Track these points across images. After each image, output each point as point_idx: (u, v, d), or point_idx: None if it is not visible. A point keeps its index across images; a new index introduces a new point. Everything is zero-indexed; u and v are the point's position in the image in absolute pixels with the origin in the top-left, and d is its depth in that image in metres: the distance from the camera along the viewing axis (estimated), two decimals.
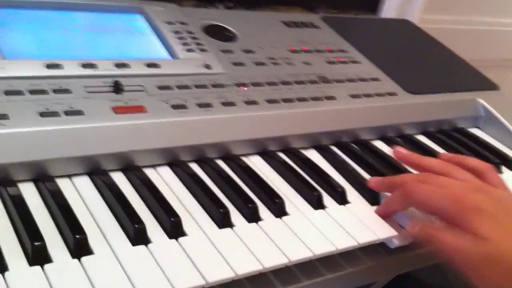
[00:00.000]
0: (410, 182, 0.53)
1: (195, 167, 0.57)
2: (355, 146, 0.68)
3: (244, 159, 0.61)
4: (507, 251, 0.45)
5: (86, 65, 0.58)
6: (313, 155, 0.65)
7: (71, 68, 0.58)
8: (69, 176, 0.51)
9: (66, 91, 0.55)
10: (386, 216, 0.54)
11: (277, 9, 1.16)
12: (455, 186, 0.51)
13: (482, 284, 0.46)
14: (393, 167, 0.65)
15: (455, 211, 0.48)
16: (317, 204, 0.55)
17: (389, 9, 1.35)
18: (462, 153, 0.72)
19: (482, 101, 0.81)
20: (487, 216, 0.47)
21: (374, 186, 0.58)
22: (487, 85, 0.87)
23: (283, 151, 0.64)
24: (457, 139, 0.76)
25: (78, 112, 0.53)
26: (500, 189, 0.53)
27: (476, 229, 0.47)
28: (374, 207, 0.56)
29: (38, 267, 0.40)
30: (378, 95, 0.74)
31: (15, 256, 0.41)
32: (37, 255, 0.41)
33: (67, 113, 0.52)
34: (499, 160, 0.71)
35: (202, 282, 0.42)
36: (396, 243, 0.53)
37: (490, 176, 0.55)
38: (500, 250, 0.46)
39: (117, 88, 0.57)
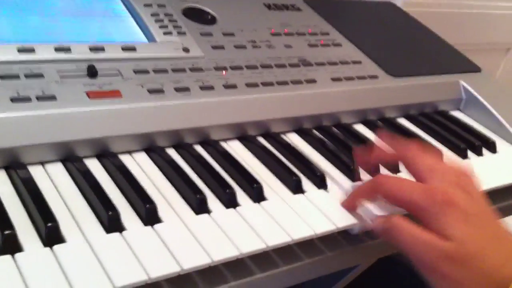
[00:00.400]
0: (382, 176, 0.52)
1: (172, 152, 0.57)
2: (336, 130, 0.68)
3: (223, 144, 0.60)
4: (472, 252, 0.44)
5: (59, 49, 0.57)
6: (295, 139, 0.64)
7: (44, 52, 0.56)
8: (42, 163, 0.50)
9: (38, 75, 0.54)
10: (353, 206, 0.52)
11: None
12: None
13: (441, 282, 0.45)
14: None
15: (424, 203, 0.46)
16: (296, 188, 0.55)
17: None
18: (443, 136, 0.72)
19: (464, 83, 0.81)
20: (458, 213, 0.45)
21: (349, 203, 0.54)
22: (469, 68, 0.86)
23: (263, 135, 0.63)
24: (438, 122, 0.76)
25: (51, 97, 0.52)
26: (477, 192, 0.50)
27: (443, 224, 0.45)
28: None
29: (8, 256, 0.39)
30: (360, 78, 0.74)
31: None
32: (7, 244, 0.40)
33: (39, 98, 0.51)
34: (479, 142, 0.71)
35: (178, 269, 0.42)
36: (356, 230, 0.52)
37: (472, 179, 0.51)
38: (465, 250, 0.44)
39: (91, 72, 0.56)
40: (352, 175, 0.58)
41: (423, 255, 0.45)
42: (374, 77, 0.75)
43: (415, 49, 0.90)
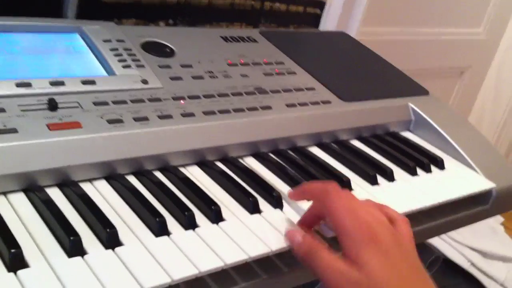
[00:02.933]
0: (333, 190, 0.52)
1: (132, 179, 0.59)
2: (292, 153, 0.71)
3: (183, 169, 0.62)
4: (377, 284, 0.46)
5: (20, 84, 0.59)
6: (252, 163, 0.67)
7: (6, 88, 0.58)
8: (4, 193, 0.51)
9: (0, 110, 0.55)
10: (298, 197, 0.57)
11: (219, 26, 1.19)
12: (371, 214, 0.50)
13: None
14: (328, 171, 0.68)
15: (356, 233, 0.48)
16: (253, 209, 0.57)
17: (329, 23, 1.40)
18: (394, 156, 0.76)
19: (412, 105, 0.85)
20: (380, 250, 0.47)
21: (291, 196, 0.59)
22: (417, 91, 0.91)
23: (221, 160, 0.66)
24: (389, 143, 0.79)
25: (12, 130, 0.53)
26: (407, 239, 0.52)
27: (362, 256, 0.47)
28: None
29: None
30: (313, 103, 0.77)
31: None
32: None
33: (0, 131, 0.53)
34: (428, 160, 0.75)
35: None
36: None
37: (401, 226, 0.53)
38: (374, 283, 0.46)
39: (52, 105, 0.58)
40: None
41: (335, 282, 0.47)
42: (327, 102, 0.79)
43: (366, 75, 0.95)
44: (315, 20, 1.39)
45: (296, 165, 0.68)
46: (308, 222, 0.56)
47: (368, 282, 0.46)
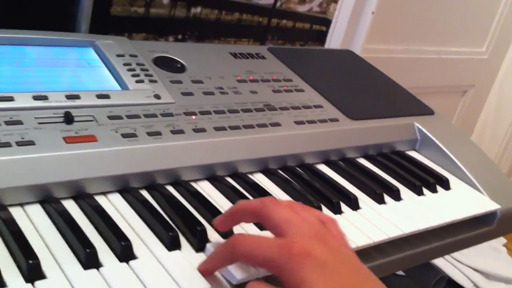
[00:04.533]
0: (238, 237, 0.47)
1: (145, 193, 0.60)
2: (300, 170, 0.72)
3: (194, 184, 0.63)
4: None
5: (37, 97, 0.60)
6: (261, 179, 0.68)
7: (23, 101, 0.59)
8: (21, 204, 0.52)
9: (17, 122, 0.57)
10: (210, 273, 0.49)
11: (227, 41, 1.21)
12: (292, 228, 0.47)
13: None
14: (336, 189, 0.69)
15: (281, 259, 0.43)
16: None
17: (335, 40, 1.41)
18: (400, 175, 0.77)
19: (418, 125, 0.86)
20: (313, 264, 0.43)
21: (219, 226, 0.53)
22: (423, 110, 0.92)
23: (231, 176, 0.67)
24: (395, 161, 0.81)
25: (30, 142, 0.55)
26: (339, 242, 0.48)
27: (298, 277, 0.42)
28: None
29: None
30: (321, 121, 0.79)
31: None
32: None
33: (18, 143, 0.54)
34: (434, 180, 0.76)
35: None
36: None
37: (331, 228, 0.50)
38: None
39: (68, 118, 0.59)
40: None
41: None
42: (334, 120, 0.80)
43: (373, 93, 0.96)
44: (321, 37, 1.41)
45: (304, 181, 0.69)
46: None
47: None
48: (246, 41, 1.25)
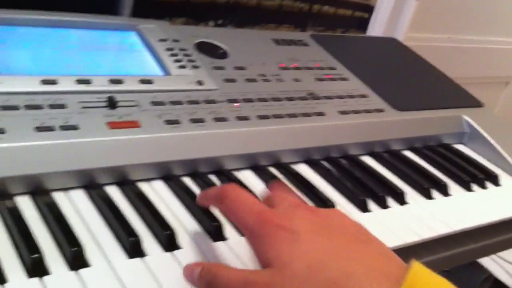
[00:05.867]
0: (231, 191, 0.45)
1: (188, 181, 0.58)
2: (344, 161, 0.70)
3: (236, 173, 0.62)
4: (293, 274, 0.37)
5: (81, 81, 0.59)
6: (304, 169, 0.67)
7: (66, 84, 0.59)
8: (65, 189, 0.52)
9: (61, 106, 0.56)
10: (202, 204, 0.50)
11: (266, 27, 1.19)
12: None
13: None
14: (382, 182, 0.67)
15: (255, 225, 0.41)
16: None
17: (377, 28, 1.38)
18: (448, 169, 0.74)
19: (466, 117, 0.83)
20: (285, 235, 0.40)
21: (200, 202, 0.50)
22: (471, 102, 0.89)
23: (274, 165, 0.65)
24: (442, 155, 0.78)
25: (73, 127, 0.54)
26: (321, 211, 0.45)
27: (266, 250, 0.40)
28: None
29: (36, 279, 0.41)
30: (366, 111, 0.76)
31: (13, 269, 0.41)
32: (35, 267, 0.42)
33: (62, 127, 0.53)
34: (483, 175, 0.73)
35: None
36: None
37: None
38: (284, 273, 0.38)
39: (111, 103, 0.59)
40: (363, 206, 0.60)
41: None
42: (380, 110, 0.78)
43: (418, 83, 0.93)
44: (363, 24, 1.38)
45: (348, 173, 0.67)
46: None
47: (281, 275, 0.38)
48: (286, 27, 1.23)
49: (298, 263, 0.38)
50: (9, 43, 0.63)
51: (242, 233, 0.45)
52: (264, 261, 0.40)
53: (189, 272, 0.43)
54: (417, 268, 0.37)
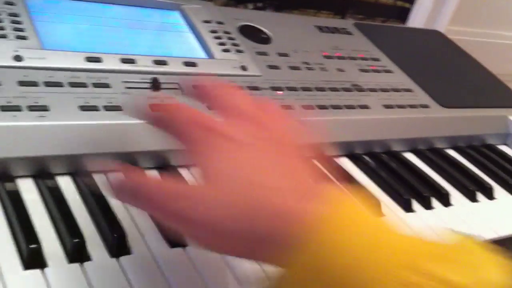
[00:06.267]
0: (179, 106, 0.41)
1: None
2: (387, 157, 0.68)
3: None
4: (221, 190, 0.35)
5: (125, 60, 0.58)
6: (346, 164, 0.65)
7: (111, 63, 0.57)
8: (106, 172, 0.51)
9: (105, 85, 0.54)
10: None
11: (306, 12, 1.16)
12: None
13: (190, 231, 0.36)
14: (426, 182, 0.64)
15: (197, 135, 0.38)
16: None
17: (418, 19, 1.34)
18: (493, 171, 0.71)
19: None
20: (221, 141, 0.37)
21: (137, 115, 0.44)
22: None
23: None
24: (486, 155, 0.75)
25: (117, 108, 0.52)
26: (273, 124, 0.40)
27: (200, 149, 0.37)
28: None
29: (76, 264, 0.40)
30: (411, 106, 0.74)
31: (56, 255, 0.41)
32: (75, 253, 0.41)
33: (106, 108, 0.52)
34: None
35: None
36: None
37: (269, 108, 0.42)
38: (218, 191, 0.35)
39: (155, 85, 0.57)
40: (408, 206, 0.58)
41: (165, 206, 0.36)
42: (425, 106, 0.75)
43: (463, 79, 0.90)
44: (403, 14, 1.34)
45: (392, 170, 0.65)
46: None
47: (215, 191, 0.35)
48: (325, 13, 1.20)
49: (234, 177, 0.35)
50: (52, 17, 0.61)
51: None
52: (203, 174, 0.36)
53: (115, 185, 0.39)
54: (346, 200, 0.34)
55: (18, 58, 0.53)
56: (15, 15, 0.58)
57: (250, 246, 0.34)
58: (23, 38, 0.56)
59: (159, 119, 0.42)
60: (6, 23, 0.57)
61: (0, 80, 0.50)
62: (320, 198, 0.34)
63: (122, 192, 0.38)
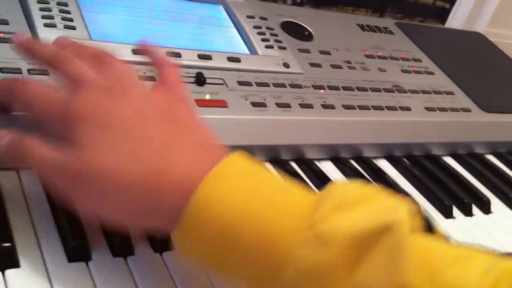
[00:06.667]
0: (24, 82, 0.41)
1: (269, 167, 0.57)
2: (427, 161, 0.67)
3: (317, 163, 0.60)
4: (101, 165, 0.35)
5: (171, 54, 0.58)
6: (385, 165, 0.64)
7: None
8: None
9: (151, 78, 0.55)
10: None
11: (345, 9, 1.15)
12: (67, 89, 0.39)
13: (77, 206, 0.38)
14: (466, 187, 0.64)
15: (57, 120, 0.38)
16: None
17: (457, 19, 1.32)
18: None
19: None
20: (92, 126, 0.36)
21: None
22: None
23: (354, 158, 0.63)
24: None
25: None
26: (158, 89, 0.42)
27: (75, 140, 0.36)
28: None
29: (121, 258, 0.40)
30: (453, 110, 0.73)
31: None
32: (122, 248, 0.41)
33: None
34: None
35: None
36: None
37: (163, 71, 0.44)
38: (94, 163, 0.35)
39: (200, 80, 0.57)
40: (448, 212, 0.58)
41: (57, 178, 0.37)
42: (467, 110, 0.74)
43: (505, 83, 0.88)
44: (442, 14, 1.32)
45: (431, 174, 0.64)
46: None
47: (88, 171, 0.35)
48: (364, 11, 1.19)
49: (111, 157, 0.35)
50: (100, 7, 0.62)
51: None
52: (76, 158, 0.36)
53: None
54: (232, 157, 0.36)
55: None
56: (64, 4, 0.59)
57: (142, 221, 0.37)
58: (71, 28, 0.56)
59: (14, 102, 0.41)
60: (55, 12, 0.57)
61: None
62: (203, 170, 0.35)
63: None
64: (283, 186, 0.36)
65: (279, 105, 0.59)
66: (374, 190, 0.35)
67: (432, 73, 0.80)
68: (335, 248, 0.31)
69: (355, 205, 0.33)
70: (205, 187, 0.34)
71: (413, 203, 0.56)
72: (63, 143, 0.37)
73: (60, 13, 0.58)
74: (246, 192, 0.34)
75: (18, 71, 0.49)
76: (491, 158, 0.73)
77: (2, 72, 0.48)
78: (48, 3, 0.57)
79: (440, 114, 0.71)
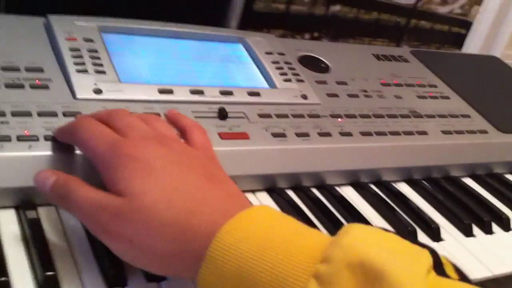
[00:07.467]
0: (81, 121, 0.46)
1: (291, 194, 0.60)
2: (446, 183, 0.69)
3: (338, 189, 0.63)
4: (144, 206, 0.38)
5: (194, 91, 0.62)
6: (405, 189, 0.66)
7: (181, 94, 0.61)
8: None
9: None
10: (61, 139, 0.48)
11: (362, 41, 1.18)
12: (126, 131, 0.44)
13: (114, 243, 0.39)
14: (485, 206, 0.65)
15: (106, 155, 0.41)
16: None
17: (474, 44, 1.34)
18: None
19: None
20: (138, 167, 0.39)
21: (57, 136, 0.49)
22: None
23: (374, 183, 0.65)
24: None
25: None
26: (193, 148, 0.46)
27: (118, 179, 0.39)
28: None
29: (155, 284, 0.43)
30: (469, 132, 0.75)
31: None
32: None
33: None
34: None
35: None
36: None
37: (193, 134, 0.48)
38: (136, 204, 0.38)
39: (222, 114, 0.61)
40: (468, 231, 0.59)
41: (92, 216, 0.39)
42: (483, 131, 0.76)
43: None
44: (459, 40, 1.34)
45: (450, 195, 0.66)
46: None
47: (130, 205, 0.38)
48: (381, 41, 1.22)
49: (147, 197, 0.38)
50: (128, 52, 0.66)
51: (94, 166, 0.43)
52: (115, 192, 0.39)
53: (42, 180, 0.43)
54: (258, 206, 0.38)
55: (98, 91, 0.58)
56: (94, 51, 0.63)
57: (170, 262, 0.38)
58: (102, 72, 0.61)
59: (73, 139, 0.46)
60: (86, 59, 0.62)
61: (82, 112, 0.55)
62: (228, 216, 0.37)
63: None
64: (300, 231, 0.37)
65: (298, 134, 0.62)
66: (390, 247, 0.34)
67: (447, 98, 0.82)
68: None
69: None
70: (228, 228, 0.36)
71: (432, 222, 0.59)
72: (107, 181, 0.40)
73: (90, 59, 0.62)
74: (265, 237, 0.35)
75: (54, 114, 0.53)
76: (510, 177, 0.75)
77: (39, 116, 0.52)
78: (79, 50, 0.62)
79: (456, 137, 0.73)
